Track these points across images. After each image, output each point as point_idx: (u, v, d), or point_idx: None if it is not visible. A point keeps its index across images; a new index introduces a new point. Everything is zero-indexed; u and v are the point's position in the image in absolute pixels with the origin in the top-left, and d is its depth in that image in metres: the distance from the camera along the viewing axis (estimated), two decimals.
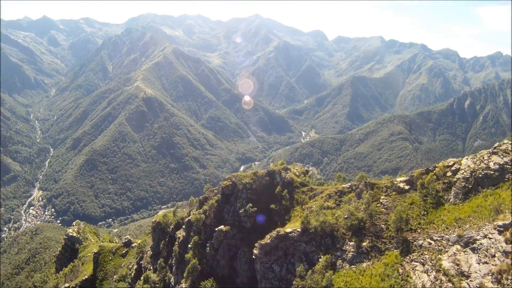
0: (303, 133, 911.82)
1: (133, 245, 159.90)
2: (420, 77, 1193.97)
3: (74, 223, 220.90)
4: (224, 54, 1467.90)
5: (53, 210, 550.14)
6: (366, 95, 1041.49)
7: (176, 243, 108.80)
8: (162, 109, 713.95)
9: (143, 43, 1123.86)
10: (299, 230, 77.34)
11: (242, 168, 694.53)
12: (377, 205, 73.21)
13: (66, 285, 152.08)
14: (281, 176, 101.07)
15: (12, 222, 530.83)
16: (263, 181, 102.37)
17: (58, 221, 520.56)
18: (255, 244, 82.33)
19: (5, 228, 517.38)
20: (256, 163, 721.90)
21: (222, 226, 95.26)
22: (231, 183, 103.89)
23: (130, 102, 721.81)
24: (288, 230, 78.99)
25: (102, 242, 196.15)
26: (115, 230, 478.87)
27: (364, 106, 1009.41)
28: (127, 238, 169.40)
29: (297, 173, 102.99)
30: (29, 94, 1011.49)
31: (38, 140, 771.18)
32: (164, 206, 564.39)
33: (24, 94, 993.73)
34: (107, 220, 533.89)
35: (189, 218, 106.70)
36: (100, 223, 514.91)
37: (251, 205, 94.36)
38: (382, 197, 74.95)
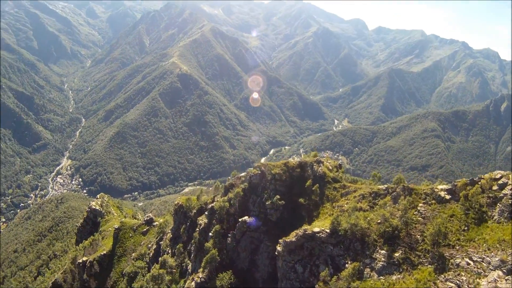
0: (336, 121, 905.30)
1: (154, 223, 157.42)
2: (458, 75, 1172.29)
3: (98, 195, 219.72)
4: (263, 36, 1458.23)
5: (80, 180, 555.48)
6: (402, 88, 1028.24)
7: (197, 229, 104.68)
8: (196, 87, 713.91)
9: (182, 19, 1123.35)
10: (328, 231, 71.86)
11: (272, 151, 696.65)
12: (414, 213, 66.30)
13: (84, 258, 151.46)
14: (313, 169, 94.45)
15: (39, 189, 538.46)
16: (293, 173, 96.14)
17: (85, 191, 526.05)
18: (279, 240, 77.04)
19: (32, 195, 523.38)
20: (286, 147, 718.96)
21: (246, 217, 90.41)
22: (259, 172, 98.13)
23: (164, 77, 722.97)
24: (316, 229, 73.41)
25: (125, 217, 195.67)
26: (140, 204, 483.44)
27: (399, 99, 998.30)
28: (149, 216, 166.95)
29: (330, 167, 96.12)
30: (65, 64, 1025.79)
31: (71, 110, 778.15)
32: (191, 184, 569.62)
33: (60, 64, 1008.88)
34: (133, 193, 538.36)
35: (212, 205, 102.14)
36: (125, 195, 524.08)
37: (278, 197, 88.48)
38: (420, 204, 67.74)
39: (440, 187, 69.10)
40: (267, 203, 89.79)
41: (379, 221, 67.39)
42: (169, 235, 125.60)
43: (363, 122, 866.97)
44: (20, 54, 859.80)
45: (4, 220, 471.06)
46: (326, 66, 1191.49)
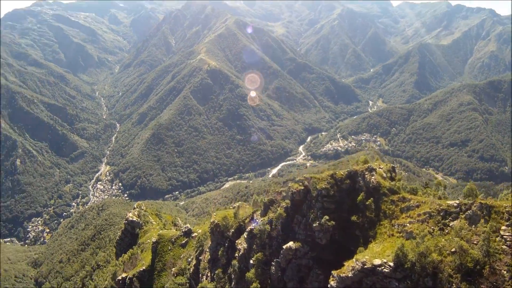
0: (370, 103, 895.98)
1: (193, 234, 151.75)
2: (489, 44, 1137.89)
3: (135, 205, 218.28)
4: (287, 23, 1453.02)
5: (120, 184, 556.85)
6: (433, 63, 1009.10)
7: (236, 255, 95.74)
8: (227, 81, 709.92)
9: (204, 15, 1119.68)
10: (391, 264, 58.17)
11: (309, 138, 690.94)
12: (496, 239, 51.94)
13: (124, 275, 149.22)
14: (365, 180, 79.53)
15: (80, 197, 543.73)
16: (342, 185, 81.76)
17: (126, 195, 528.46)
18: (332, 273, 64.61)
19: (73, 203, 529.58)
20: (323, 133, 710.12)
21: (291, 243, 78.90)
22: (303, 187, 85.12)
23: (194, 75, 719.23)
24: (377, 262, 59.84)
25: (164, 225, 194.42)
26: (181, 203, 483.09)
27: (432, 74, 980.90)
28: (187, 227, 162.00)
29: (384, 174, 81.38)
30: (94, 72, 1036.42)
31: (104, 117, 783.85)
32: (230, 178, 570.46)
33: (89, 73, 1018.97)
34: (173, 193, 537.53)
35: (251, 228, 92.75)
36: (166, 196, 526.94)
37: (327, 217, 75.71)
38: (503, 227, 52.82)
39: None
40: (314, 225, 77.62)
41: (453, 249, 54.08)
42: (207, 255, 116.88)
43: (398, 101, 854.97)
44: (48, 68, 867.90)
45: (48, 230, 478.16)
46: (354, 48, 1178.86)
